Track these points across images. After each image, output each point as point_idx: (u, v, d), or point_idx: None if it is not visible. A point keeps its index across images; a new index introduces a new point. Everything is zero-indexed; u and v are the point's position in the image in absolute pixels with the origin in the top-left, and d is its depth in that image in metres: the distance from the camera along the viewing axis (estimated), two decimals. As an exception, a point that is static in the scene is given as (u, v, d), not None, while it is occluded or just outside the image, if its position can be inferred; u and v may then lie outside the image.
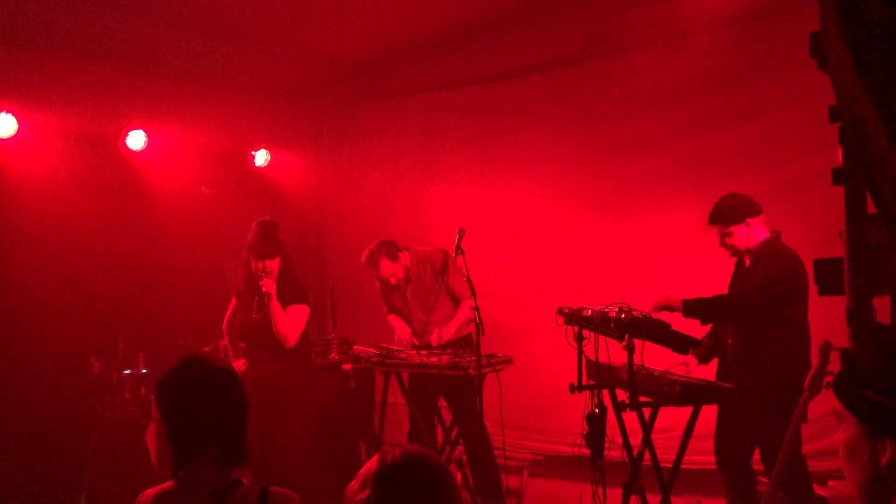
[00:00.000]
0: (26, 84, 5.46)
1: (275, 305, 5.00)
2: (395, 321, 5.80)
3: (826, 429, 4.44)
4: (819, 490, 4.35)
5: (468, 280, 5.01)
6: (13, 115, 5.35)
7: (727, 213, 4.23)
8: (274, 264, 5.06)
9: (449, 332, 5.45)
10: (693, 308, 4.11)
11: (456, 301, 5.53)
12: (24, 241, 5.51)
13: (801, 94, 4.97)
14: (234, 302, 5.33)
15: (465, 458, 5.53)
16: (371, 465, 1.71)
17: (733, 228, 4.21)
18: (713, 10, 5.53)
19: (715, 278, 4.58)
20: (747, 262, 4.33)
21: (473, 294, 4.98)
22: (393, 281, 5.59)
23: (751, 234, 4.21)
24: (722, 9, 5.49)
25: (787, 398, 3.83)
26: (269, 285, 5.00)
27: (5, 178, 5.48)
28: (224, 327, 5.38)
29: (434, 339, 5.43)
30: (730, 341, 4.30)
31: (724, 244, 4.30)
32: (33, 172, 5.56)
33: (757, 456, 4.28)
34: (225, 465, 2.27)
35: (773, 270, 4.07)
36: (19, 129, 5.38)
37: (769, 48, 5.33)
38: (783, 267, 4.08)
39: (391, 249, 5.52)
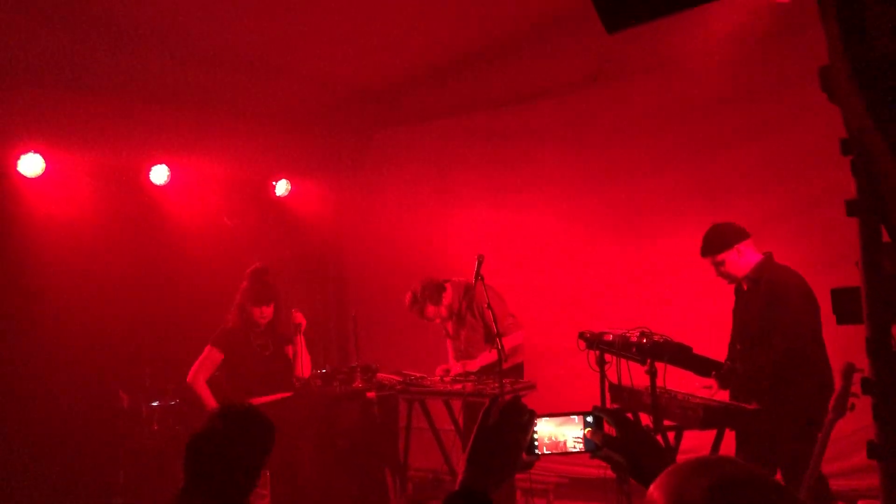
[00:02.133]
0: (52, 124, 5.57)
1: (301, 338, 5.28)
2: (449, 348, 5.91)
3: (849, 449, 4.42)
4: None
5: (489, 306, 5.01)
6: (40, 154, 5.48)
7: (716, 243, 4.25)
8: (271, 309, 5.33)
9: (472, 368, 5.48)
10: (733, 383, 4.11)
11: (491, 335, 5.19)
12: (53, 277, 5.60)
13: (814, 112, 4.97)
14: (209, 351, 5.28)
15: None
16: None
17: (724, 256, 4.22)
18: (723, 31, 5.56)
19: (732, 298, 4.58)
20: (745, 286, 4.33)
21: (496, 322, 4.98)
22: (438, 321, 5.72)
23: (742, 258, 4.22)
24: (732, 29, 5.52)
25: (802, 419, 3.84)
26: (300, 316, 5.33)
27: (35, 216, 5.59)
28: (197, 379, 5.25)
29: (453, 370, 5.48)
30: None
31: (719, 273, 4.32)
32: (61, 210, 5.67)
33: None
34: None
35: (792, 309, 4.02)
36: (47, 168, 5.52)
37: (782, 66, 5.36)
38: (794, 296, 4.05)
39: (434, 294, 5.58)
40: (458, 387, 5.21)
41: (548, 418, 1.53)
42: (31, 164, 5.45)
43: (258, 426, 2.47)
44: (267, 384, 5.29)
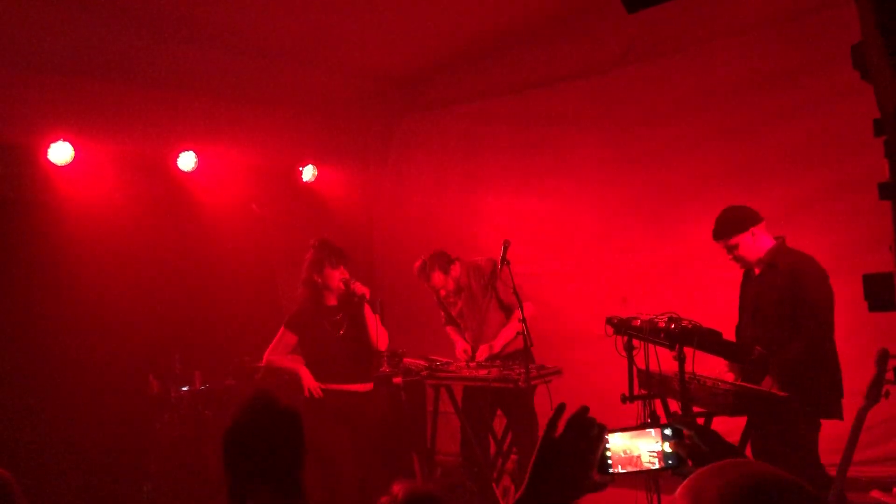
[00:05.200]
0: (80, 112, 5.63)
1: (368, 308, 5.05)
2: (453, 334, 5.84)
3: (884, 435, 4.34)
4: (883, 497, 4.23)
5: (515, 291, 5.01)
6: (69, 142, 5.54)
7: (730, 225, 4.17)
8: (347, 272, 5.09)
9: (497, 346, 5.44)
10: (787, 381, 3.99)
11: (506, 310, 5.48)
12: (82, 264, 5.67)
13: (849, 92, 4.83)
14: (282, 333, 5.11)
15: (516, 467, 5.55)
16: None
17: (738, 239, 4.15)
18: (755, 10, 5.44)
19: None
20: (756, 271, 4.26)
21: (520, 304, 4.96)
22: (443, 293, 5.66)
23: (756, 242, 4.16)
24: (764, 7, 5.39)
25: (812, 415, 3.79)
26: (362, 287, 5.02)
27: (64, 203, 5.66)
28: (272, 359, 5.15)
29: (480, 355, 5.44)
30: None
31: (733, 257, 4.24)
32: (90, 197, 5.73)
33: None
34: None
35: (816, 295, 3.97)
36: (76, 156, 5.57)
37: (814, 45, 5.22)
38: (818, 280, 3.99)
39: (443, 262, 5.54)
40: (484, 372, 5.18)
41: (620, 432, 1.41)
42: (60, 152, 5.51)
43: (281, 413, 2.45)
44: (341, 371, 5.10)
